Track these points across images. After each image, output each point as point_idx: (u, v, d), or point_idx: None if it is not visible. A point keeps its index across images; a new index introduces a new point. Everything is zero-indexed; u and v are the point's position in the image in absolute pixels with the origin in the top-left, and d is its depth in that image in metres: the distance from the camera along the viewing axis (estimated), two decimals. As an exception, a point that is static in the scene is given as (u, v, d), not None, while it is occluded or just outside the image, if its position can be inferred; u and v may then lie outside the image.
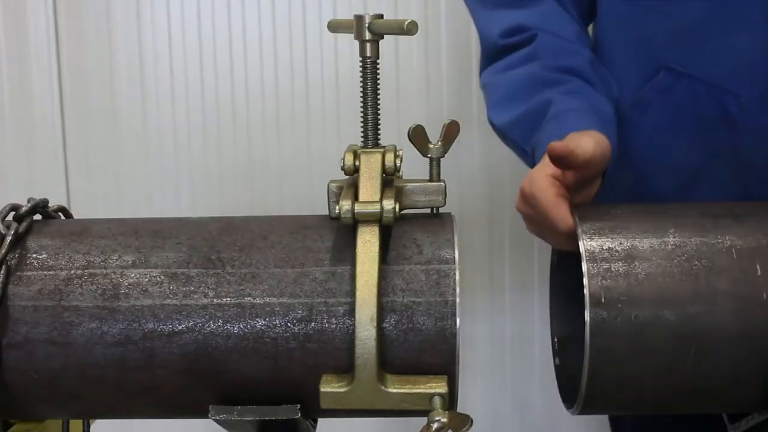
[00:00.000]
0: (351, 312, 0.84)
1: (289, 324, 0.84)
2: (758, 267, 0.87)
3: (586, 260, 0.87)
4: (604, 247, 0.88)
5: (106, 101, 2.10)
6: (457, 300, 0.85)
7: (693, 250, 0.88)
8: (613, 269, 0.87)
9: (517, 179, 2.15)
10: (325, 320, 0.84)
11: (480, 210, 2.11)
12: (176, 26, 2.07)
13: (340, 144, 2.09)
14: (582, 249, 0.87)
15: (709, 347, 0.85)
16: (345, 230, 0.89)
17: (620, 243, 0.88)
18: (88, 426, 1.05)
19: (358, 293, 0.82)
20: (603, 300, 0.85)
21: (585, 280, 0.86)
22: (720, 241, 0.88)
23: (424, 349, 0.84)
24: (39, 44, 2.08)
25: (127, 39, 2.08)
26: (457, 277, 0.86)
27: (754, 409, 0.91)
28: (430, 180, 0.92)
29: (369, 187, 0.87)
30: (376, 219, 0.85)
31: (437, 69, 2.06)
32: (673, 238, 0.89)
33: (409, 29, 0.86)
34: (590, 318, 0.85)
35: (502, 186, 2.07)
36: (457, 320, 0.84)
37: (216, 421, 0.85)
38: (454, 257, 0.87)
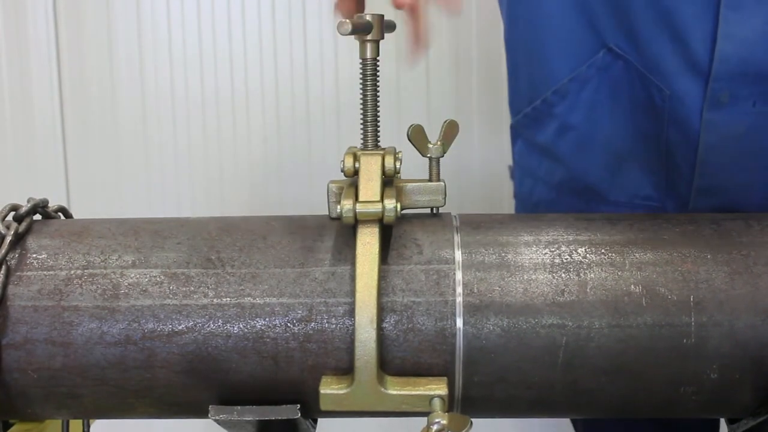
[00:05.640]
0: (351, 312, 0.83)
1: (289, 324, 0.84)
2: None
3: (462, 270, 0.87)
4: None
5: (106, 101, 2.10)
6: (458, 300, 0.85)
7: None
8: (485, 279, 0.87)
9: (517, 179, 2.13)
10: (325, 320, 0.84)
11: (480, 210, 2.11)
12: (176, 27, 2.07)
13: (340, 145, 2.10)
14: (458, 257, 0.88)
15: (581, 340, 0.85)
16: (345, 230, 0.89)
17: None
18: (88, 426, 1.05)
19: (358, 295, 0.82)
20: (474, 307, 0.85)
21: (459, 288, 0.86)
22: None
23: (423, 349, 0.84)
24: (39, 44, 2.08)
25: (127, 39, 2.08)
26: (458, 277, 0.86)
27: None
28: (430, 180, 0.92)
29: (369, 188, 0.86)
30: (378, 218, 0.84)
31: (438, 69, 2.06)
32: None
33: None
34: (462, 326, 0.85)
35: (502, 186, 2.07)
36: (458, 320, 0.84)
37: (216, 421, 0.85)
38: (454, 257, 0.87)
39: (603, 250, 0.88)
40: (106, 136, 2.11)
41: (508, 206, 2.08)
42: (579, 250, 0.88)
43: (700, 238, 0.90)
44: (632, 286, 0.86)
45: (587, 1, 1.12)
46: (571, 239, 0.90)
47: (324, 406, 0.83)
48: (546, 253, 0.88)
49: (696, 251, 0.88)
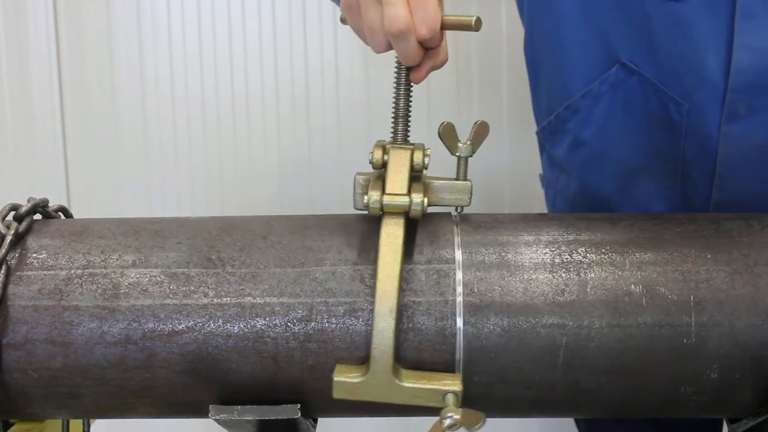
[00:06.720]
0: (351, 312, 0.84)
1: (289, 324, 0.84)
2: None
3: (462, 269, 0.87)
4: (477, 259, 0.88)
5: (106, 101, 2.10)
6: (458, 300, 0.84)
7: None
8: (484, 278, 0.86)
9: (518, 180, 2.15)
10: (325, 320, 0.84)
11: (480, 210, 2.10)
12: (176, 27, 2.07)
13: (341, 145, 2.10)
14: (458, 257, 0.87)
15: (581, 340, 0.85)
16: (346, 230, 0.89)
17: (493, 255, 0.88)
18: (88, 426, 1.05)
19: (378, 284, 0.81)
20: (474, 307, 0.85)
21: (459, 288, 0.86)
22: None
23: (423, 348, 0.84)
24: (39, 44, 2.08)
25: (127, 39, 2.08)
26: (458, 276, 0.86)
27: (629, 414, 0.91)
28: (457, 178, 0.92)
29: (397, 180, 0.86)
30: (404, 211, 0.84)
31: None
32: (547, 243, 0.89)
33: (476, 26, 0.86)
34: (463, 326, 0.85)
35: (502, 186, 2.07)
36: (458, 320, 0.84)
37: (216, 421, 0.85)
38: (455, 257, 0.87)
39: (603, 250, 0.88)
40: (106, 136, 2.11)
41: (508, 207, 2.08)
42: (579, 250, 0.88)
43: (701, 238, 0.90)
44: (632, 286, 0.86)
45: (600, 16, 1.12)
46: (571, 239, 0.90)
47: (337, 394, 0.82)
48: (546, 253, 0.88)
49: (696, 251, 0.88)
